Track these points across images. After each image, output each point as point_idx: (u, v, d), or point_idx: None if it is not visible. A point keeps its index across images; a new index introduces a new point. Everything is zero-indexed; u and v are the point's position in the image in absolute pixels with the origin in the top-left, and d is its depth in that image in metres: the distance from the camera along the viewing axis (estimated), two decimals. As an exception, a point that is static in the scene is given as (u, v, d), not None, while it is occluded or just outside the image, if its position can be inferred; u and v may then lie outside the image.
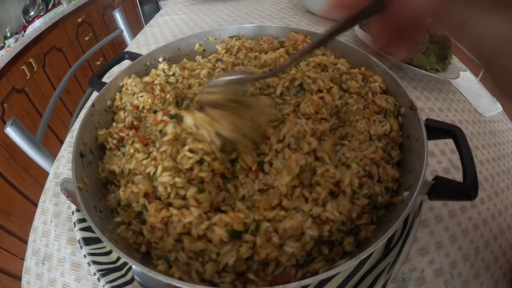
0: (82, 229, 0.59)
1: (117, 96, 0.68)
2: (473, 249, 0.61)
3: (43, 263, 0.63)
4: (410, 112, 0.58)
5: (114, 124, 0.63)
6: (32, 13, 3.08)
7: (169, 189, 0.46)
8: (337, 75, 0.69)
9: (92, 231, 0.60)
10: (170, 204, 0.45)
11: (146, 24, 1.60)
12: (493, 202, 0.71)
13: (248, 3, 1.74)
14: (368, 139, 0.57)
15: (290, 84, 0.64)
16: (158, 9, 5.16)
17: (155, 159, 0.49)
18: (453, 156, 0.76)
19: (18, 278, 2.02)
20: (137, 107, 0.64)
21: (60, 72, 2.86)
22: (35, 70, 2.55)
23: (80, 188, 0.47)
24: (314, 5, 1.48)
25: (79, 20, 3.28)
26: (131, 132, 0.58)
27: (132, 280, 0.53)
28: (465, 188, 0.45)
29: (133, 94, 0.66)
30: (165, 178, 0.46)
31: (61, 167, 0.80)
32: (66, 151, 0.85)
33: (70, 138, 0.89)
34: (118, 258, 0.57)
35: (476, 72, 1.13)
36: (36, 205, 2.19)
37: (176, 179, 0.46)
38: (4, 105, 2.20)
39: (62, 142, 2.31)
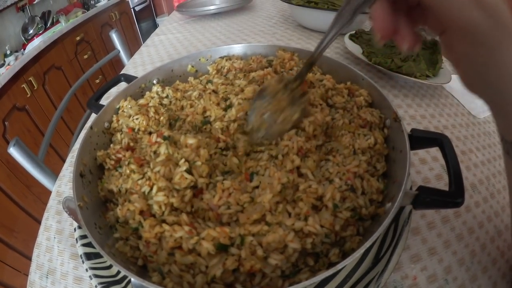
0: (84, 245, 0.62)
1: (114, 118, 0.71)
2: (469, 253, 0.61)
3: (47, 277, 0.65)
4: (395, 124, 0.59)
5: (111, 145, 0.66)
6: (31, 31, 3.12)
7: (163, 208, 0.49)
8: (323, 91, 0.72)
9: (93, 247, 0.64)
10: (164, 221, 0.48)
11: (143, 40, 1.64)
12: (489, 204, 0.70)
13: (241, 20, 1.78)
14: (352, 153, 0.58)
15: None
16: (155, 25, 5.23)
17: (149, 179, 0.53)
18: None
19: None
20: (133, 129, 0.67)
21: (60, 90, 2.90)
22: (35, 88, 2.59)
23: (80, 207, 0.50)
24: (304, 19, 1.53)
25: (78, 38, 3.32)
26: (128, 154, 0.61)
27: (131, 292, 0.56)
28: (450, 196, 0.46)
29: (129, 117, 0.69)
30: (160, 197, 0.50)
31: (62, 186, 0.83)
32: (68, 170, 0.88)
33: (71, 158, 0.91)
34: (118, 272, 0.60)
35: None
36: (38, 221, 2.21)
37: (171, 199, 0.50)
38: (6, 123, 2.23)
39: (63, 160, 2.34)
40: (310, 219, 0.46)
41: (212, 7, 1.85)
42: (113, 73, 3.75)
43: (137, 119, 0.68)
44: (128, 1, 4.61)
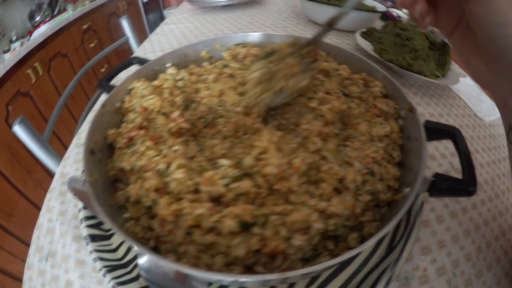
0: (89, 226, 0.60)
1: (126, 98, 0.70)
2: (475, 249, 0.62)
3: (46, 260, 0.63)
4: (410, 114, 0.60)
5: (123, 124, 0.64)
6: (37, 18, 3.10)
7: (182, 186, 0.47)
8: (339, 80, 0.72)
9: (99, 229, 0.62)
10: (180, 199, 0.46)
11: (150, 32, 1.63)
12: (493, 203, 0.72)
13: (252, 13, 1.76)
14: (370, 140, 0.59)
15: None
16: (162, 18, 5.21)
17: (165, 156, 0.51)
18: (453, 159, 0.78)
19: (18, 279, 2.02)
20: (146, 109, 0.66)
21: (65, 77, 2.88)
22: (40, 74, 2.58)
23: (91, 183, 0.48)
24: (316, 14, 1.53)
25: (85, 27, 3.31)
26: (141, 132, 0.59)
27: (137, 277, 0.54)
28: (464, 184, 0.47)
29: (142, 97, 0.68)
30: (179, 175, 0.48)
31: (67, 167, 0.81)
32: (73, 151, 0.86)
33: (77, 140, 0.90)
34: (124, 256, 0.58)
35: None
36: (38, 207, 2.20)
37: (190, 182, 0.48)
38: (9, 107, 2.22)
39: (65, 147, 2.33)
40: (334, 200, 0.46)
41: (223, -1, 1.84)
42: (118, 62, 3.71)
43: (151, 99, 0.67)
44: (136, -9, 4.60)
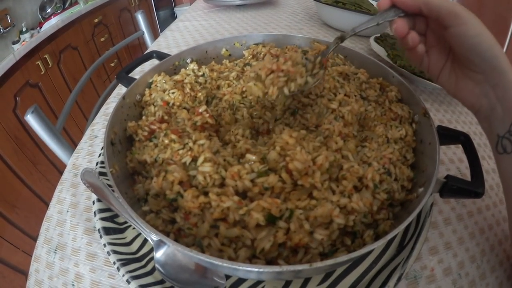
0: (102, 219, 0.61)
1: (147, 91, 0.70)
2: (479, 252, 0.64)
3: (55, 252, 0.63)
4: (423, 119, 0.64)
5: (143, 117, 0.65)
6: (49, 10, 3.12)
7: (208, 179, 0.48)
8: (357, 83, 0.74)
9: (113, 222, 0.62)
10: (206, 193, 0.47)
11: (161, 28, 1.63)
12: (498, 209, 0.74)
13: (267, 14, 1.78)
14: (386, 142, 0.61)
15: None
16: (173, 15, 5.24)
17: (191, 149, 0.52)
18: (461, 165, 0.81)
19: (18, 270, 2.01)
20: (167, 103, 0.66)
21: (75, 70, 2.91)
22: (50, 66, 2.59)
23: (113, 173, 0.48)
24: (330, 18, 1.55)
25: (96, 20, 3.34)
26: (164, 125, 0.60)
27: (152, 271, 0.54)
28: (473, 185, 0.51)
29: (163, 91, 0.68)
30: (206, 168, 0.48)
31: (80, 159, 0.82)
32: (86, 143, 0.86)
33: (91, 132, 0.90)
34: (139, 249, 0.58)
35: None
36: (42, 199, 2.20)
37: (216, 176, 0.49)
38: (17, 98, 2.23)
39: (73, 140, 2.32)
40: (355, 197, 0.48)
41: (238, -1, 1.86)
42: (128, 58, 3.78)
43: (173, 93, 0.67)
44: (148, -13, 4.64)
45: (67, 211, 0.69)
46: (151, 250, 0.56)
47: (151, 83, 0.72)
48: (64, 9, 3.19)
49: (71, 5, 3.33)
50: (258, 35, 0.90)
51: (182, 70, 0.77)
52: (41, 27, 2.88)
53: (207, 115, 0.61)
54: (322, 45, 0.85)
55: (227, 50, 0.89)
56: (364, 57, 0.82)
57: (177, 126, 0.60)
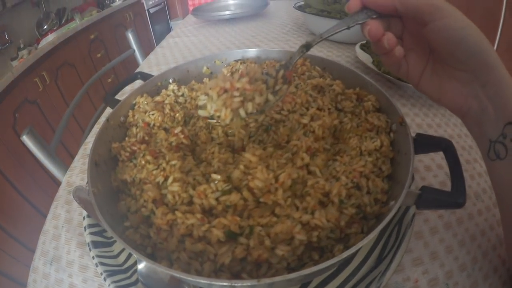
0: (92, 233, 0.65)
1: (130, 113, 0.74)
2: (471, 260, 0.62)
3: (51, 264, 0.67)
4: (401, 128, 0.62)
5: (126, 138, 0.69)
6: (45, 26, 3.18)
7: (177, 197, 0.52)
8: (332, 96, 0.75)
9: (101, 236, 0.67)
10: (175, 210, 0.50)
11: (156, 42, 1.68)
12: (491, 212, 0.71)
13: (255, 26, 1.82)
14: (359, 155, 0.61)
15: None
16: (169, 28, 5.31)
17: (164, 170, 0.56)
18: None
19: (19, 283, 2.03)
20: (148, 124, 0.70)
21: (72, 86, 2.96)
22: (47, 83, 2.64)
23: (94, 193, 0.52)
24: (317, 27, 1.59)
25: (92, 37, 3.40)
26: (143, 146, 0.64)
27: (136, 282, 0.58)
28: (452, 196, 0.48)
29: (145, 112, 0.73)
30: (175, 187, 0.53)
31: (73, 177, 0.86)
32: (79, 162, 0.91)
33: (83, 150, 0.95)
34: (125, 262, 0.63)
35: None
36: (42, 213, 2.23)
37: (184, 194, 0.53)
38: (16, 114, 2.28)
39: (70, 154, 2.36)
40: (317, 213, 0.48)
41: (227, 12, 1.92)
42: (125, 73, 3.83)
43: (153, 114, 0.71)
44: (143, 3, 4.71)
45: (62, 226, 0.73)
46: (136, 263, 0.60)
47: (134, 104, 0.76)
48: (60, 26, 3.25)
49: (67, 21, 3.39)
50: (237, 52, 0.94)
51: (163, 91, 0.81)
52: (38, 44, 2.94)
53: (182, 136, 0.65)
54: (299, 59, 0.87)
55: (208, 68, 0.93)
56: (342, 67, 0.83)
57: (156, 146, 0.64)
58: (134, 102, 0.77)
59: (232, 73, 0.87)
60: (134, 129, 0.70)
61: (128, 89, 0.90)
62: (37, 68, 2.57)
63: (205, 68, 0.93)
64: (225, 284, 0.38)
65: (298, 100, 0.72)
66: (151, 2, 4.94)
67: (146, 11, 4.83)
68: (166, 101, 0.77)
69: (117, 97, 0.81)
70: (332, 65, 0.86)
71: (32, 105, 2.48)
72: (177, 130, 0.66)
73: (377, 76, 1.11)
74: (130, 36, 1.69)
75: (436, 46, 0.49)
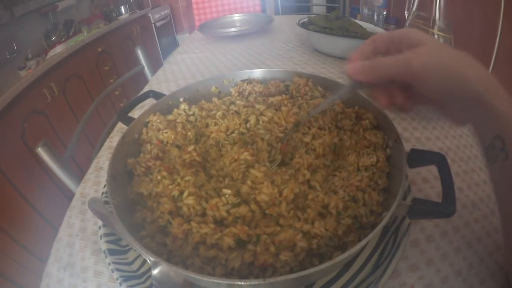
0: (107, 242, 0.70)
1: (144, 130, 0.80)
2: (466, 266, 0.64)
3: (65, 270, 0.70)
4: (396, 144, 0.67)
5: (141, 154, 0.75)
6: (53, 38, 3.26)
7: (191, 210, 0.58)
8: (333, 115, 0.80)
9: (117, 245, 0.71)
10: (190, 220, 0.56)
11: (163, 55, 1.75)
12: (488, 220, 0.73)
13: (260, 43, 1.89)
14: (357, 170, 0.67)
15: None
16: (175, 42, 5.41)
17: (179, 184, 0.62)
18: None
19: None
20: (161, 141, 0.76)
21: (80, 99, 3.03)
22: (55, 94, 2.71)
23: (115, 204, 0.58)
24: (319, 44, 1.67)
25: (100, 49, 3.48)
26: (158, 162, 0.69)
27: (150, 286, 0.63)
28: (442, 206, 0.51)
29: (158, 130, 0.79)
30: (190, 201, 0.59)
31: (87, 188, 0.92)
32: (92, 174, 0.96)
33: (96, 164, 1.01)
34: (139, 268, 0.68)
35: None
36: (49, 223, 2.27)
37: (198, 207, 0.59)
38: (24, 125, 2.34)
39: (78, 165, 2.40)
40: (317, 223, 0.55)
41: (233, 29, 1.99)
42: (132, 86, 3.92)
43: (166, 132, 0.77)
44: (149, 17, 4.82)
45: (77, 235, 0.77)
46: (149, 269, 0.65)
47: (148, 122, 0.82)
48: (68, 37, 3.33)
49: (74, 33, 3.47)
50: (244, 72, 1.01)
51: (175, 110, 0.87)
52: (46, 55, 3.01)
53: (195, 153, 0.71)
54: (302, 79, 0.93)
55: (216, 87, 0.99)
56: (343, 86, 0.83)
57: (170, 162, 0.70)
58: (147, 120, 0.82)
59: (240, 93, 0.93)
60: (148, 146, 0.76)
61: (139, 105, 0.95)
62: (46, 79, 2.64)
63: (213, 87, 0.99)
64: (235, 283, 0.44)
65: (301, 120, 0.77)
66: (157, 16, 5.05)
67: (153, 25, 4.93)
68: (178, 120, 0.83)
69: (130, 115, 0.87)
70: (333, 85, 0.91)
71: (41, 115, 2.54)
72: (190, 148, 0.72)
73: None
74: (139, 52, 1.76)
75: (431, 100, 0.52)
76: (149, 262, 0.64)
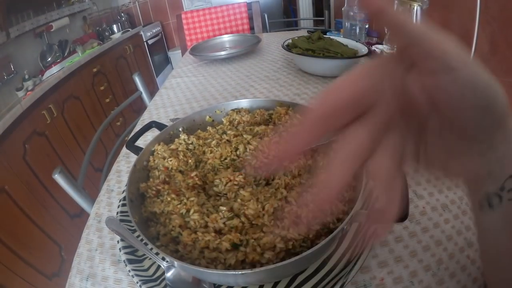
0: (126, 253, 0.85)
1: (151, 158, 0.97)
2: (435, 261, 0.69)
3: (87, 280, 0.80)
4: None
5: (151, 179, 0.90)
6: (49, 59, 3.38)
7: (197, 223, 0.75)
8: None
9: (134, 255, 0.87)
10: (196, 231, 0.73)
11: (156, 72, 1.86)
12: (459, 220, 0.78)
13: (248, 65, 2.06)
14: None
15: None
16: (167, 58, 5.55)
17: (185, 204, 0.78)
18: (417, 187, 0.90)
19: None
20: (167, 168, 0.93)
21: (78, 119, 3.17)
22: (54, 116, 2.83)
23: (136, 222, 0.73)
24: (303, 65, 1.85)
25: (95, 70, 3.60)
26: (166, 186, 0.85)
27: (165, 286, 0.79)
28: None
29: (164, 158, 0.95)
30: (195, 216, 0.75)
31: (101, 209, 1.07)
32: (104, 196, 1.12)
33: (107, 186, 1.17)
34: (154, 273, 0.83)
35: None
36: (54, 241, 2.41)
37: (202, 221, 0.75)
38: (26, 145, 2.46)
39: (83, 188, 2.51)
40: (291, 230, 0.70)
41: (223, 53, 2.15)
42: (130, 110, 4.04)
43: (170, 160, 0.94)
44: (141, 35, 4.96)
45: (96, 249, 0.88)
46: (163, 273, 0.81)
47: (153, 151, 0.98)
48: (63, 58, 3.45)
49: (69, 54, 3.60)
50: (233, 102, 1.17)
51: (176, 140, 1.03)
52: (42, 75, 3.14)
53: (197, 178, 0.87)
54: (283, 109, 1.09)
55: (210, 117, 1.16)
56: None
57: (175, 186, 0.86)
58: (153, 149, 0.99)
59: (230, 122, 1.11)
60: (156, 172, 0.92)
61: (138, 127, 1.10)
62: (45, 101, 2.76)
63: (207, 117, 1.16)
64: (231, 273, 0.64)
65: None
66: (149, 34, 5.18)
67: (145, 43, 5.05)
68: (180, 149, 0.99)
69: (127, 136, 1.03)
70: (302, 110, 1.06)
71: (41, 137, 2.67)
72: (193, 174, 0.88)
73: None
74: (137, 79, 1.91)
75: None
76: (163, 267, 0.81)
